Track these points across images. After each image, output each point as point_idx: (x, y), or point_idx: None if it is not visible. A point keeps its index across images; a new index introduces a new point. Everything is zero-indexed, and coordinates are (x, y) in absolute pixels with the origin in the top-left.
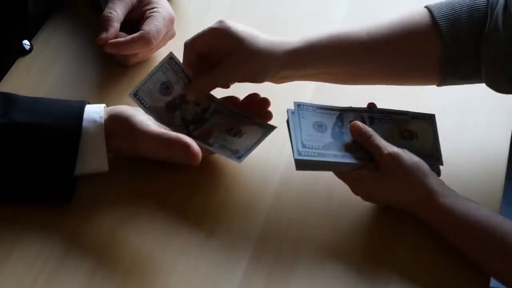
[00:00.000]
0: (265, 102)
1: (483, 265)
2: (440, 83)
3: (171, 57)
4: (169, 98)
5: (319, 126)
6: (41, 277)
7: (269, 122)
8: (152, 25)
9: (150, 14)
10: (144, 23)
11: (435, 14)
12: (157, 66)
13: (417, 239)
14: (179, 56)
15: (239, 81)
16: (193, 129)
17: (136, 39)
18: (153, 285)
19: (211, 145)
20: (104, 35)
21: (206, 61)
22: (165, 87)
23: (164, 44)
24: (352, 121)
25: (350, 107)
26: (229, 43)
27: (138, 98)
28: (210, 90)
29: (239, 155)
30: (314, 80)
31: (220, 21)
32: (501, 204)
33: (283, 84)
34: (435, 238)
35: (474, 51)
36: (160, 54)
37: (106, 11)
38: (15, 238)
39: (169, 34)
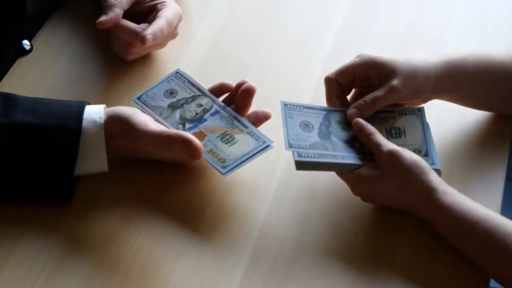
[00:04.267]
0: (249, 89)
1: (483, 265)
2: None
3: (177, 72)
4: (173, 100)
5: (306, 126)
6: (41, 277)
7: (268, 122)
8: (164, 16)
9: (164, 6)
10: (160, 14)
11: None
12: (162, 78)
13: (417, 238)
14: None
15: (401, 101)
16: (189, 128)
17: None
18: (153, 285)
19: None
20: (103, 18)
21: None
22: (170, 92)
23: (165, 44)
24: (338, 121)
25: (337, 107)
26: (384, 71)
27: (142, 101)
28: (376, 110)
29: (225, 165)
30: (450, 101)
31: (361, 55)
32: (501, 204)
33: (283, 84)
34: (435, 238)
35: None
36: (160, 54)
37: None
38: (15, 238)
39: (173, 33)
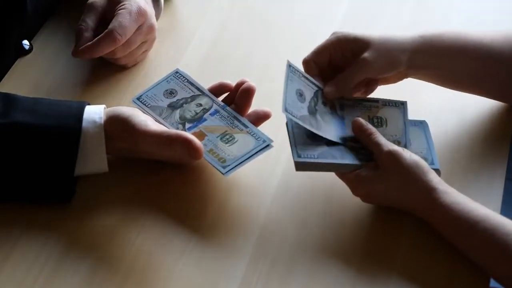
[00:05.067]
0: (249, 89)
1: (483, 265)
2: None
3: (177, 71)
4: (173, 99)
5: (300, 96)
6: (41, 277)
7: (267, 123)
8: (116, 22)
9: (117, 12)
10: (111, 21)
11: None
12: (161, 78)
13: (417, 239)
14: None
15: (375, 75)
16: (189, 128)
17: (102, 39)
18: (153, 285)
19: None
20: (75, 49)
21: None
22: (169, 92)
23: (152, 39)
24: (324, 102)
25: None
26: (358, 45)
27: (141, 101)
28: (351, 86)
29: (225, 165)
30: (428, 81)
31: (335, 32)
32: (501, 204)
33: (283, 84)
34: (435, 238)
35: None
36: (160, 54)
37: (78, 24)
38: (15, 238)
39: (146, 27)
